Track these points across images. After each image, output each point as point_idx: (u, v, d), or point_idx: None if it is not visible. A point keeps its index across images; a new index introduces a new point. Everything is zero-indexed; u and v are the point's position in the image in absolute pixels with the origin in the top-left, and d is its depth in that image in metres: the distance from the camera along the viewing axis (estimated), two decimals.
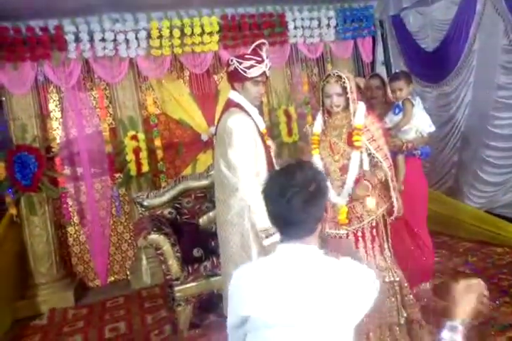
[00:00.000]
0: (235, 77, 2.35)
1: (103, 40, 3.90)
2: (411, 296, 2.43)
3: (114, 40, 3.94)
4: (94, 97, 4.32)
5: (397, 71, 3.29)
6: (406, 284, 2.42)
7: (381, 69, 4.88)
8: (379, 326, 2.32)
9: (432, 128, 2.97)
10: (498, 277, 3.27)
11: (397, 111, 2.96)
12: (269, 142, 2.48)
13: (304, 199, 1.18)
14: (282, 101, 4.56)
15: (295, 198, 1.18)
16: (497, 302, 2.89)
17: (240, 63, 2.30)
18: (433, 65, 4.33)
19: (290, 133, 4.51)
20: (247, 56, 2.35)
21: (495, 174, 3.98)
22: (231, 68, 2.34)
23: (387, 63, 4.93)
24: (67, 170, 4.20)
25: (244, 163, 2.23)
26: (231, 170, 2.28)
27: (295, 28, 4.46)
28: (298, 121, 4.53)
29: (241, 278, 1.26)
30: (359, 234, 2.36)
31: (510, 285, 3.11)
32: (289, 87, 4.67)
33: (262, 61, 2.34)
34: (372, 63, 4.92)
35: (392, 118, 2.98)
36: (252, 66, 2.30)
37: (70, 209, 4.28)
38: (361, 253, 2.34)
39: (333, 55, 4.74)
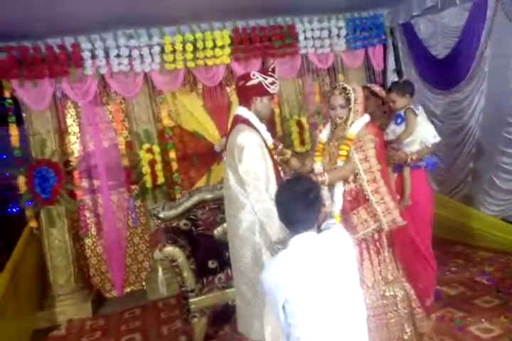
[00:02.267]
0: (257, 91, 2.37)
1: (118, 56, 4.01)
2: (420, 310, 2.37)
3: (129, 56, 4.04)
4: (110, 111, 4.42)
5: (392, 82, 3.26)
6: (414, 297, 2.37)
7: (393, 77, 4.88)
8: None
9: (437, 139, 2.90)
10: None
11: (399, 120, 2.91)
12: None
13: (305, 205, 1.60)
14: (294, 111, 4.59)
15: (300, 204, 1.59)
16: None
17: (265, 78, 2.36)
18: (445, 72, 4.31)
19: (303, 142, 4.55)
20: (269, 73, 2.41)
21: (511, 181, 3.90)
22: (253, 82, 2.36)
23: (398, 71, 4.93)
24: (84, 183, 4.30)
25: (254, 179, 2.25)
26: (242, 185, 2.30)
27: (305, 38, 4.50)
28: (310, 131, 4.55)
29: (273, 272, 1.57)
30: (363, 245, 2.35)
31: None
32: (301, 97, 4.70)
33: (276, 79, 2.43)
34: (384, 71, 4.92)
35: (394, 129, 2.93)
36: (273, 82, 2.39)
37: (88, 221, 4.37)
38: (367, 266, 2.35)
39: (344, 65, 4.76)
